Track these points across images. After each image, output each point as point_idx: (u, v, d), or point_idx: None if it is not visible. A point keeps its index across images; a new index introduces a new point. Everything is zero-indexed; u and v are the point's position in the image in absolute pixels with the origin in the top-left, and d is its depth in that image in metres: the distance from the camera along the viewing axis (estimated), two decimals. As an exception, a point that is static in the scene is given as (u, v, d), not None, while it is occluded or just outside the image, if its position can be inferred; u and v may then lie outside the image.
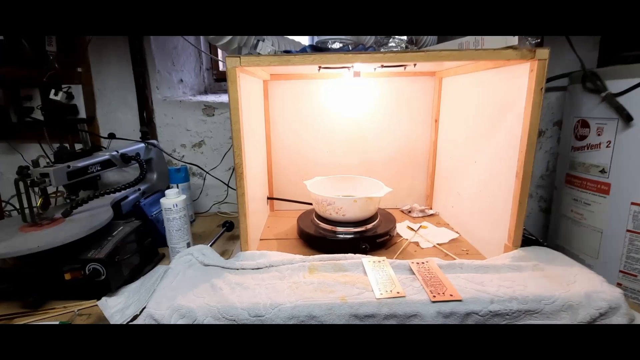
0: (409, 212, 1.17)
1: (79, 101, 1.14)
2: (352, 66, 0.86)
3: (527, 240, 0.77)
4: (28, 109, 1.16)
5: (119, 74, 1.19)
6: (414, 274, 0.66)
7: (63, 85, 1.12)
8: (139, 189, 1.03)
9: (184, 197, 0.84)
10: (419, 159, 1.19)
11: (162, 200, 0.82)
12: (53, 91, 1.08)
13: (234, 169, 0.78)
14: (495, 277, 0.63)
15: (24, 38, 1.05)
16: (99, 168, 0.87)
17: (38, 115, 1.15)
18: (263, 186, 1.09)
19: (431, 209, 1.19)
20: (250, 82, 0.83)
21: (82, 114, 1.16)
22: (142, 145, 1.05)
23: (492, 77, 0.81)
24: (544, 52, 0.63)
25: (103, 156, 0.89)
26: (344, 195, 1.04)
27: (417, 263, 0.68)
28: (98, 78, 1.20)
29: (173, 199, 0.82)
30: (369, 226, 0.89)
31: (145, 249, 0.83)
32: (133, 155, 0.95)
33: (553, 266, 0.67)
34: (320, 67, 0.84)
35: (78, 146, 1.18)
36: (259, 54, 0.74)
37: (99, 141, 1.21)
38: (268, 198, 1.17)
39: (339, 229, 0.88)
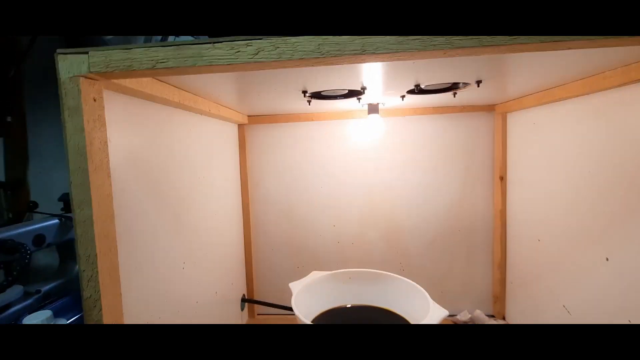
0: (469, 326, 0.71)
1: (-1, 159, 0.85)
2: (364, 91, 0.50)
3: None
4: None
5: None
6: None
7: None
8: (39, 291, 0.67)
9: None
10: (477, 238, 0.76)
11: None
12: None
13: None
14: None
15: None
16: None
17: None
18: (234, 280, 0.69)
19: (505, 320, 0.73)
20: (142, 110, 0.48)
21: (1, 177, 0.86)
22: (56, 221, 0.71)
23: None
24: None
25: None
26: (357, 305, 0.62)
27: None
28: (34, 129, 0.92)
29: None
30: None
31: None
32: (11, 246, 0.59)
33: None
34: (305, 92, 0.48)
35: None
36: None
37: (24, 213, 0.89)
38: (243, 300, 0.76)
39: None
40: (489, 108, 0.73)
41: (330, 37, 0.25)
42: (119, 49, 0.26)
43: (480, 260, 0.76)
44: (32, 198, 0.91)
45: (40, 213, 0.77)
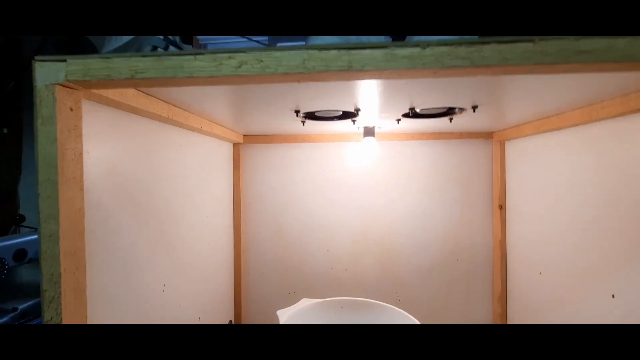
0: (467, 364, 0.67)
1: (-10, 171, 0.84)
2: (357, 113, 0.49)
3: None
4: None
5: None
6: None
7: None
8: (16, 309, 0.63)
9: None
10: (476, 268, 0.73)
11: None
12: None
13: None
14: None
15: None
16: None
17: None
18: (221, 305, 0.66)
19: None
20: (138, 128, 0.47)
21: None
22: (36, 237, 0.69)
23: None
24: None
25: None
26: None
27: None
28: (30, 141, 0.91)
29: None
30: None
31: None
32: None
33: None
34: (298, 112, 0.48)
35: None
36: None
37: (9, 226, 0.87)
38: (230, 325, 0.72)
39: None
40: (487, 135, 0.72)
41: (316, 53, 0.25)
42: (98, 57, 0.26)
43: (479, 292, 0.73)
44: (22, 211, 0.89)
45: (26, 227, 0.75)
